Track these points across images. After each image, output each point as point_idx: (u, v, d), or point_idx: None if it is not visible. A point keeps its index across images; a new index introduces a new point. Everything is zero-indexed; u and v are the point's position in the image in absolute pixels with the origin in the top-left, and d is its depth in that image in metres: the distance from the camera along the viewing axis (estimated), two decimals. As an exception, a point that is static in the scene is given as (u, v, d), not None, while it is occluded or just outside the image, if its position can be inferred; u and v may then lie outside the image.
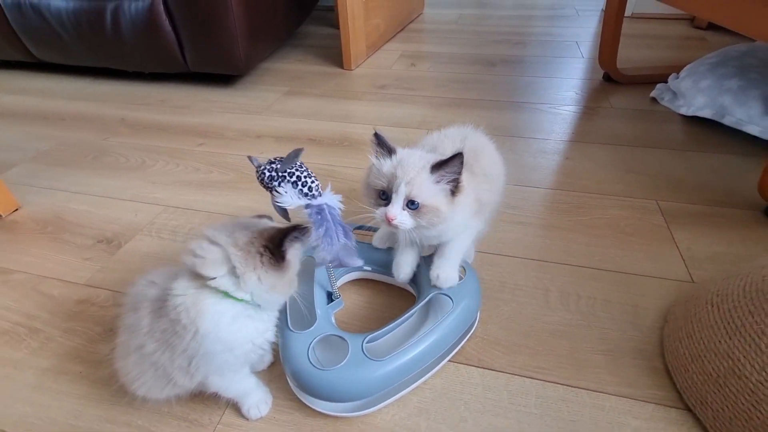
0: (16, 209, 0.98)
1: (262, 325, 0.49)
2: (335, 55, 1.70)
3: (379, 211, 0.54)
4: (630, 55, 1.58)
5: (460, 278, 0.61)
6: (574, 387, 0.57)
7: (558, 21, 2.10)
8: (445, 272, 0.59)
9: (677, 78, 1.25)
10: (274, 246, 0.46)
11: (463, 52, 1.75)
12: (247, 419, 0.55)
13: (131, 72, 1.60)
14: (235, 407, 0.57)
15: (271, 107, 1.37)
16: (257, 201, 0.96)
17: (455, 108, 1.32)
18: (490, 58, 1.69)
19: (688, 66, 1.24)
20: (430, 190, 0.52)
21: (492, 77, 1.52)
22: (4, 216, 0.96)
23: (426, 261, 0.64)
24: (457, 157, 0.50)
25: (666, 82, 1.29)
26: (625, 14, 1.41)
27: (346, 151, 1.13)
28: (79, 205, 0.98)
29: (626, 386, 0.57)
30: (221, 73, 1.48)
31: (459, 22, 2.15)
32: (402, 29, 2.05)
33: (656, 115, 1.22)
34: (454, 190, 0.53)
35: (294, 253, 0.49)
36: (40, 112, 1.42)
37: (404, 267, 0.62)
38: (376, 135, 0.55)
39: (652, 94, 1.30)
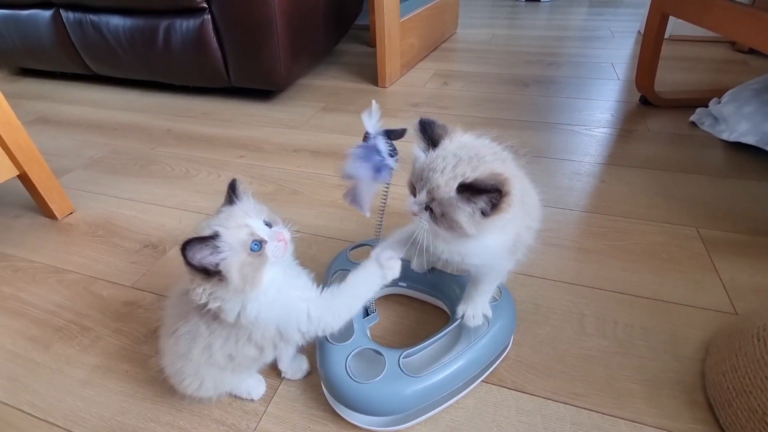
0: (71, 212, 1.05)
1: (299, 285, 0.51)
2: (370, 73, 1.75)
3: (408, 200, 0.51)
4: (668, 78, 1.56)
5: (495, 299, 0.62)
6: (611, 416, 0.56)
7: (593, 42, 2.09)
8: (472, 310, 0.58)
9: (719, 103, 1.22)
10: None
11: (496, 72, 1.77)
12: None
13: (177, 85, 1.69)
14: (274, 413, 0.59)
15: (308, 122, 1.42)
16: (296, 213, 0.99)
17: (488, 127, 1.32)
18: (523, 78, 1.70)
19: (730, 91, 1.21)
20: (453, 204, 0.45)
21: (525, 97, 1.53)
22: (60, 219, 1.02)
23: (456, 280, 0.65)
24: (494, 192, 0.43)
25: (706, 106, 1.27)
26: (664, 36, 1.39)
27: (379, 168, 1.15)
28: (127, 211, 1.04)
29: (666, 418, 0.55)
30: (261, 89, 1.55)
31: (491, 42, 2.17)
32: (435, 48, 2.09)
33: (696, 139, 1.20)
34: (486, 212, 0.45)
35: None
36: (94, 121, 1.52)
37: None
38: (421, 122, 0.50)
39: (692, 118, 1.27)
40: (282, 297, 0.49)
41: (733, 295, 0.72)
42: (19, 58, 1.86)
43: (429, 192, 0.47)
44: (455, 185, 0.45)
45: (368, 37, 2.18)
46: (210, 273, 0.44)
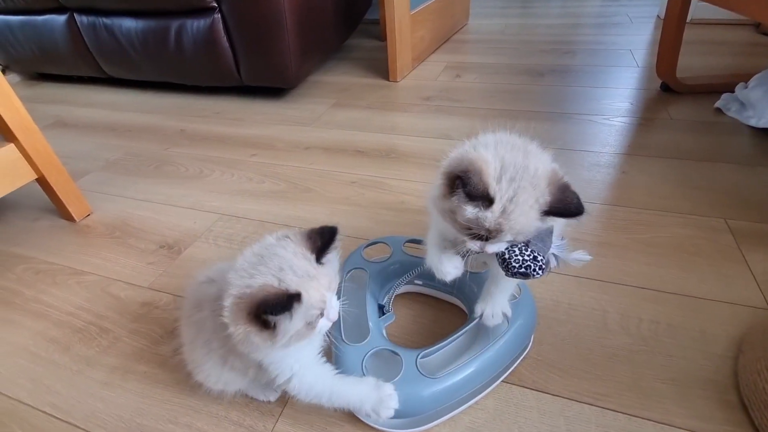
0: (88, 214, 1.06)
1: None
2: (381, 68, 1.73)
3: (475, 245, 0.45)
4: (689, 63, 1.50)
5: (514, 297, 0.60)
6: (638, 417, 0.54)
7: (609, 29, 2.03)
8: (491, 309, 0.56)
9: (746, 87, 1.17)
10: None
11: (510, 63, 1.73)
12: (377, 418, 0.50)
13: (190, 86, 1.70)
14: (290, 414, 0.58)
15: (319, 119, 1.41)
16: (307, 211, 0.98)
17: (502, 119, 1.29)
18: (538, 68, 1.65)
19: (757, 75, 1.16)
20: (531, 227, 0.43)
21: (540, 87, 1.49)
22: (78, 221, 1.04)
23: (473, 279, 0.63)
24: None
25: (731, 91, 1.21)
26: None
27: (393, 163, 1.14)
28: (143, 212, 1.05)
29: (696, 419, 0.53)
30: (272, 86, 1.54)
31: (504, 32, 2.12)
32: (447, 40, 2.06)
33: (722, 126, 1.15)
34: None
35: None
36: (109, 124, 1.54)
37: (450, 268, 0.51)
38: (462, 178, 0.42)
39: (717, 104, 1.22)
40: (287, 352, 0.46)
41: (766, 289, 0.68)
42: (36, 63, 1.89)
43: (514, 234, 0.43)
44: (535, 216, 0.42)
45: (378, 31, 2.15)
46: (267, 326, 0.41)
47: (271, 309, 0.39)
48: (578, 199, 0.42)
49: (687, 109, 1.25)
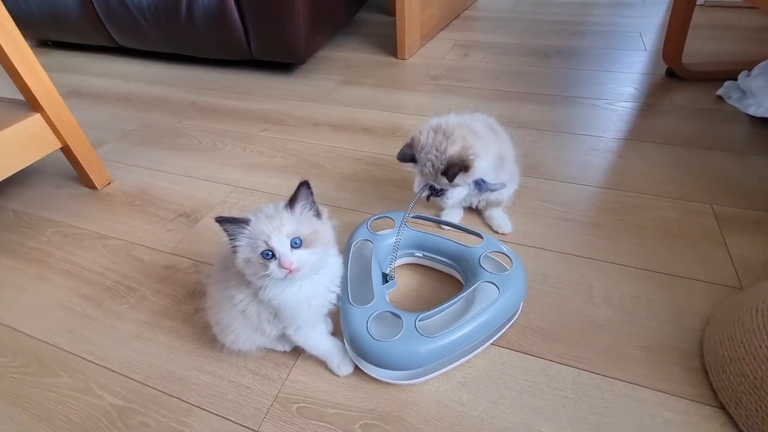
0: (109, 183, 1.12)
1: (316, 287, 0.56)
2: (389, 44, 1.74)
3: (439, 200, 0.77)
4: (697, 48, 1.51)
5: (506, 269, 0.66)
6: (611, 377, 0.61)
7: (621, 9, 2.01)
8: (499, 221, 0.85)
9: (748, 75, 1.19)
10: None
11: (518, 42, 1.74)
12: (338, 374, 0.64)
13: (200, 58, 1.73)
14: (302, 366, 0.66)
15: (327, 96, 1.44)
16: (316, 186, 1.02)
17: (507, 101, 1.34)
18: (546, 49, 1.66)
19: (761, 63, 1.18)
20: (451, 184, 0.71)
21: (546, 69, 1.51)
22: (99, 189, 1.10)
23: (469, 252, 0.69)
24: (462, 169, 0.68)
25: (735, 79, 1.23)
26: (697, 2, 1.34)
27: (399, 141, 1.17)
28: (160, 182, 1.10)
29: (662, 381, 0.60)
30: (282, 61, 1.57)
31: (515, 9, 2.11)
32: (456, 17, 2.05)
33: (721, 114, 1.18)
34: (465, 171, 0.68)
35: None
36: (121, 94, 1.58)
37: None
38: (399, 158, 0.75)
39: (719, 92, 1.24)
40: (291, 304, 0.55)
41: (741, 270, 0.74)
42: (48, 30, 1.90)
43: (438, 186, 0.72)
44: (442, 180, 0.69)
45: (388, 5, 2.14)
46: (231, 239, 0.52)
47: (223, 219, 0.51)
48: (459, 165, 0.67)
49: (689, 96, 1.27)
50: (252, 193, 1.04)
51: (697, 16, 1.29)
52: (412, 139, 0.73)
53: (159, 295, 0.80)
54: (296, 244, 0.51)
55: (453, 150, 0.68)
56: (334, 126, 1.28)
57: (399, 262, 0.79)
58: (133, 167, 1.17)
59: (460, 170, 0.67)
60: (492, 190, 0.76)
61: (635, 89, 1.34)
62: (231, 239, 0.52)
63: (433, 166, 0.69)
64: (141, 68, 1.77)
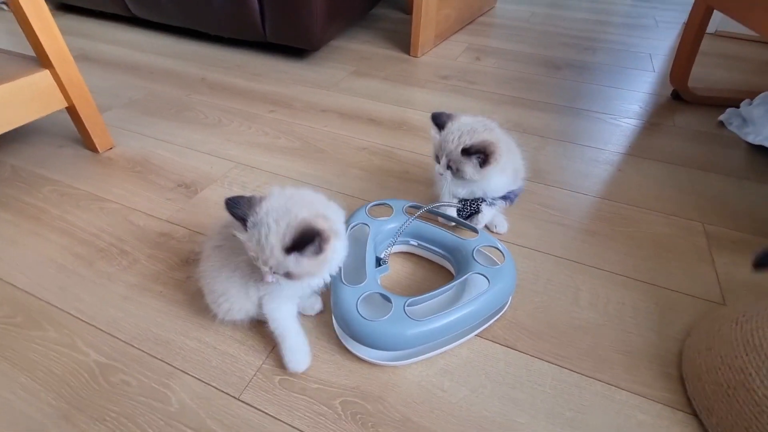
0: (111, 148, 1.12)
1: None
2: (403, 41, 1.75)
3: (436, 167, 0.78)
4: (705, 75, 1.54)
5: (497, 264, 0.67)
6: (590, 377, 0.62)
7: (634, 30, 2.03)
8: (496, 220, 0.85)
9: (750, 104, 1.21)
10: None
11: (530, 52, 1.75)
12: (290, 371, 0.61)
13: (212, 35, 1.73)
14: (286, 341, 0.66)
15: (337, 84, 1.45)
16: (317, 169, 1.04)
17: (513, 107, 1.35)
18: (557, 60, 1.68)
19: (763, 93, 1.20)
20: (461, 161, 0.73)
21: (555, 80, 1.52)
22: (101, 152, 1.10)
23: (463, 244, 0.70)
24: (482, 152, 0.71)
25: (737, 106, 1.25)
26: (708, 31, 1.36)
27: (404, 135, 1.19)
28: (163, 152, 1.11)
29: (639, 384, 0.61)
30: (295, 47, 1.57)
31: (530, 20, 2.13)
32: (471, 22, 2.06)
33: (721, 139, 1.20)
34: (483, 164, 0.72)
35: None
36: (132, 63, 1.57)
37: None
38: (433, 115, 0.78)
39: (721, 117, 1.27)
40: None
41: (726, 287, 0.76)
42: (65, -6, 1.91)
43: (446, 156, 0.74)
44: (460, 150, 0.72)
45: (405, 3, 2.16)
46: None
47: (228, 202, 0.53)
48: (484, 149, 0.71)
49: (692, 119, 1.29)
50: (253, 170, 1.04)
51: (707, 44, 1.32)
52: (453, 116, 0.76)
53: (152, 260, 0.81)
54: (277, 273, 0.53)
55: (479, 137, 0.72)
56: (341, 114, 1.29)
57: (393, 249, 0.80)
58: (136, 135, 1.17)
59: (481, 154, 0.70)
60: (512, 200, 0.83)
61: (640, 107, 1.36)
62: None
63: (449, 154, 0.73)
64: (153, 39, 1.77)
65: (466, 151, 0.71)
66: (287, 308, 0.62)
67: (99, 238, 0.85)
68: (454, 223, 0.81)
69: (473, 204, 0.80)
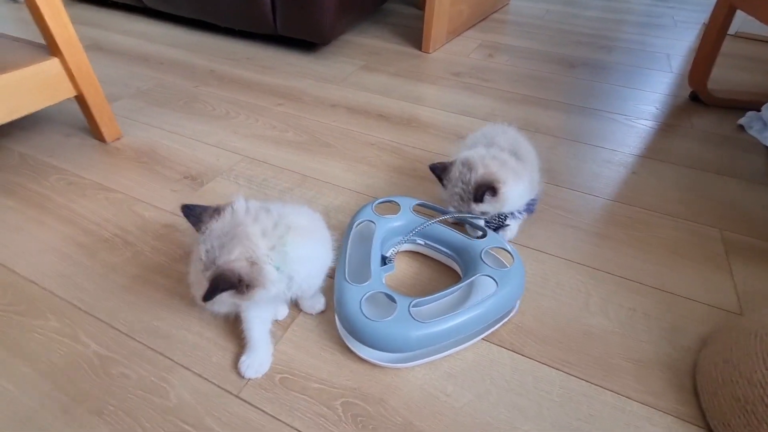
0: (119, 138, 1.11)
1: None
2: (414, 36, 1.73)
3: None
4: (724, 77, 1.49)
5: (506, 266, 0.65)
6: (599, 386, 0.60)
7: (651, 29, 1.99)
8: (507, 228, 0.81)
9: (773, 108, 1.17)
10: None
11: (544, 50, 1.72)
12: (241, 374, 0.60)
13: (223, 27, 1.72)
14: (291, 338, 0.65)
15: (347, 79, 1.43)
16: (324, 164, 1.03)
17: (526, 105, 1.32)
18: (571, 59, 1.65)
19: (787, 97, 1.16)
20: (477, 207, 0.72)
21: (570, 79, 1.49)
22: (108, 142, 1.09)
23: (472, 245, 0.68)
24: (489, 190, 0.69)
25: (759, 110, 1.22)
26: (729, 32, 1.32)
27: (412, 131, 1.17)
28: (170, 143, 1.10)
29: (650, 395, 0.59)
30: (306, 40, 1.56)
31: (545, 17, 2.09)
32: (485, 18, 2.03)
33: (740, 143, 1.16)
34: (494, 194, 0.70)
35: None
36: (142, 53, 1.57)
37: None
38: (431, 168, 0.76)
39: (740, 121, 1.23)
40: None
41: (743, 297, 0.73)
42: (77, -17, 1.91)
43: (464, 210, 0.74)
44: (471, 204, 0.71)
45: (417, -1, 2.13)
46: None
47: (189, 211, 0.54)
48: (487, 188, 0.70)
49: (710, 122, 1.26)
50: (260, 164, 1.03)
51: (727, 45, 1.28)
52: (448, 165, 0.75)
53: (155, 251, 0.80)
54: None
55: (477, 176, 0.70)
56: (350, 109, 1.27)
57: (401, 247, 0.78)
58: (144, 125, 1.17)
59: (487, 191, 0.69)
60: (533, 211, 0.83)
61: (657, 108, 1.33)
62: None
63: (461, 198, 0.72)
64: (164, 30, 1.77)
65: (476, 199, 0.70)
66: (260, 313, 0.60)
67: (103, 228, 0.85)
68: (461, 223, 0.79)
69: (499, 219, 0.79)
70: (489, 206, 0.71)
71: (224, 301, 0.58)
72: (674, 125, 1.25)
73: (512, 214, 0.78)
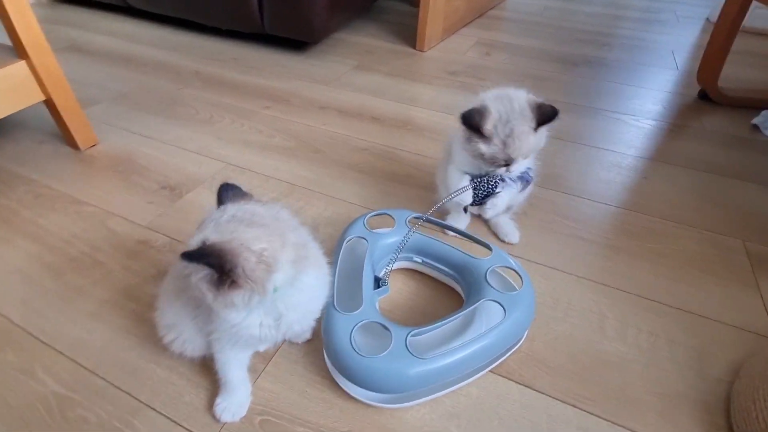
0: (94, 144, 1.04)
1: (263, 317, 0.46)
2: (409, 34, 1.66)
3: (502, 170, 0.67)
4: (732, 73, 1.42)
5: (515, 289, 0.58)
6: (621, 426, 0.53)
7: (653, 25, 1.92)
8: (507, 228, 0.78)
9: (788, 107, 1.11)
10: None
11: (543, 47, 1.65)
12: (216, 418, 0.53)
13: (209, 27, 1.64)
14: (272, 372, 0.58)
15: (339, 79, 1.36)
16: (313, 171, 0.96)
17: (528, 106, 1.25)
18: (572, 57, 1.58)
19: (804, 95, 1.09)
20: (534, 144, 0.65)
21: (571, 78, 1.43)
22: (83, 149, 1.02)
23: (473, 263, 0.62)
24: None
25: (773, 109, 1.15)
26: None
27: (407, 135, 1.10)
28: (149, 150, 1.02)
29: (679, 437, 0.52)
30: (295, 39, 1.48)
31: (543, 14, 2.02)
32: (482, 15, 1.96)
33: (756, 144, 1.10)
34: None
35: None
36: (124, 55, 1.49)
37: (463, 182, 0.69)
38: (463, 117, 0.63)
39: (754, 120, 1.16)
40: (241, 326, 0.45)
41: (774, 317, 0.67)
42: (57, -18, 1.83)
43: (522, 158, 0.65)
44: (533, 135, 0.63)
45: (412, -4, 2.06)
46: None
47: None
48: (551, 106, 0.62)
49: (722, 122, 1.19)
50: (244, 172, 0.96)
51: (736, 41, 1.21)
52: (481, 108, 0.62)
53: (127, 271, 0.73)
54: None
55: (531, 99, 0.63)
56: (341, 111, 1.20)
57: (395, 265, 0.71)
58: (123, 131, 1.09)
59: (552, 113, 0.62)
60: (529, 182, 0.72)
61: (664, 108, 1.26)
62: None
63: (514, 136, 0.61)
64: (148, 31, 1.69)
65: (543, 119, 0.61)
66: (237, 356, 0.53)
67: (72, 245, 0.77)
68: (463, 237, 0.72)
69: (490, 181, 0.68)
70: (538, 141, 0.64)
71: (193, 295, 0.48)
72: (684, 126, 1.18)
73: (503, 180, 0.68)
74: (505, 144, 0.61)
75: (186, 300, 0.50)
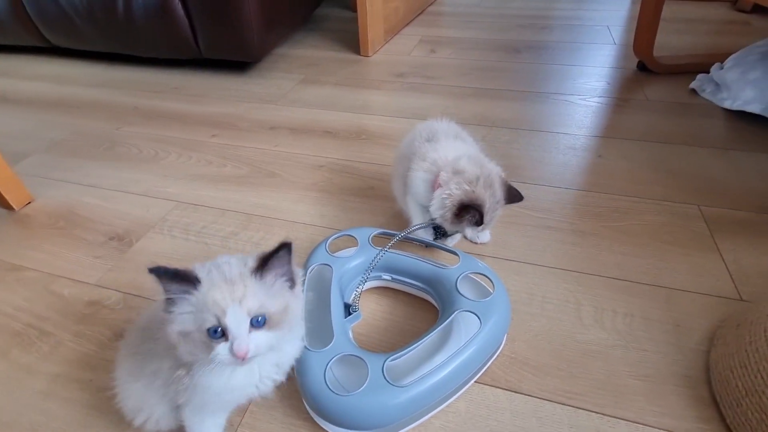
0: (29, 202, 0.96)
1: (252, 375, 0.44)
2: (352, 41, 1.63)
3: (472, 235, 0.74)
4: (666, 42, 1.48)
5: (490, 293, 0.57)
6: (611, 416, 0.53)
7: (587, 3, 1.98)
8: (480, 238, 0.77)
9: (721, 68, 1.15)
10: None
11: (486, 38, 1.67)
12: None
13: (145, 58, 1.57)
14: (251, 424, 0.54)
15: (286, 96, 1.33)
16: (271, 198, 0.92)
17: (478, 98, 1.26)
18: (515, 44, 1.60)
19: (734, 55, 1.14)
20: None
21: (517, 65, 1.44)
22: (17, 210, 0.94)
23: (444, 274, 0.60)
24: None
25: (707, 72, 1.20)
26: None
27: (363, 145, 1.08)
28: (91, 199, 0.96)
29: (669, 417, 0.52)
30: (235, 60, 1.44)
31: (481, 4, 2.04)
32: (421, 12, 1.96)
33: (697, 108, 1.14)
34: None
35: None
36: (54, 99, 1.40)
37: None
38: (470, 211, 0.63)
39: (692, 85, 1.21)
40: (214, 388, 0.42)
41: (738, 279, 0.68)
42: (-30, 30, 1.70)
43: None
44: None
45: (350, 1, 2.03)
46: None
47: (162, 271, 0.37)
48: (518, 191, 0.67)
49: (663, 90, 1.23)
50: (196, 209, 0.91)
51: (664, 10, 1.26)
52: (475, 198, 0.62)
53: (78, 339, 0.67)
54: (258, 323, 0.38)
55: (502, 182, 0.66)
56: (292, 129, 1.16)
57: (365, 286, 0.69)
58: (59, 182, 1.02)
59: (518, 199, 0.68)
60: None
61: (608, 84, 1.29)
62: (167, 300, 0.38)
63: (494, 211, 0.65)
64: (79, 70, 1.60)
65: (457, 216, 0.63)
66: (211, 422, 0.49)
67: (14, 318, 0.71)
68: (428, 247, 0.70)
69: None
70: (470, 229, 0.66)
71: (157, 368, 0.45)
72: (628, 99, 1.21)
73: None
74: (486, 225, 0.65)
75: (150, 376, 0.46)
